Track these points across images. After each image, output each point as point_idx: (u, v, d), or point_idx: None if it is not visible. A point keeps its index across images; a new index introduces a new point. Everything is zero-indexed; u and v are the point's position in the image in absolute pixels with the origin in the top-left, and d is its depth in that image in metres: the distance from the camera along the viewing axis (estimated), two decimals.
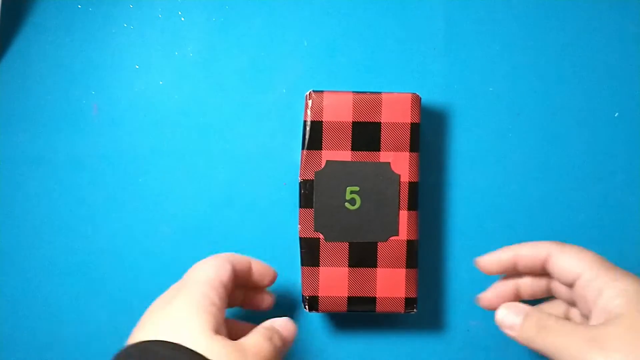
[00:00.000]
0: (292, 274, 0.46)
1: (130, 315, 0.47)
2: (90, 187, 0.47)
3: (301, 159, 0.44)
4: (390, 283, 0.43)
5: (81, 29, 0.47)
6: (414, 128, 0.43)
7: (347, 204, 0.43)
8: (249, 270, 0.41)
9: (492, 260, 0.41)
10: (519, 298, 0.42)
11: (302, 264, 0.44)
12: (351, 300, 0.44)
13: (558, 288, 0.41)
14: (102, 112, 0.47)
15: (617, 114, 0.47)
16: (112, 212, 0.47)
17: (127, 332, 0.47)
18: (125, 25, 0.47)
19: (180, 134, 0.47)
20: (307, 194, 0.43)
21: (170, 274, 0.47)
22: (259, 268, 0.42)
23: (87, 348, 0.47)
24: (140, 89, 0.47)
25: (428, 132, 0.47)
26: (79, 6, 0.47)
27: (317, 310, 0.44)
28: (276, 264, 0.44)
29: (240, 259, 0.41)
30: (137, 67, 0.47)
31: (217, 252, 0.47)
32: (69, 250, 0.47)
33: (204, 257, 0.47)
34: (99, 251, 0.47)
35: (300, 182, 0.44)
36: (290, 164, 0.47)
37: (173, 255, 0.47)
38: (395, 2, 0.47)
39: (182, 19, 0.47)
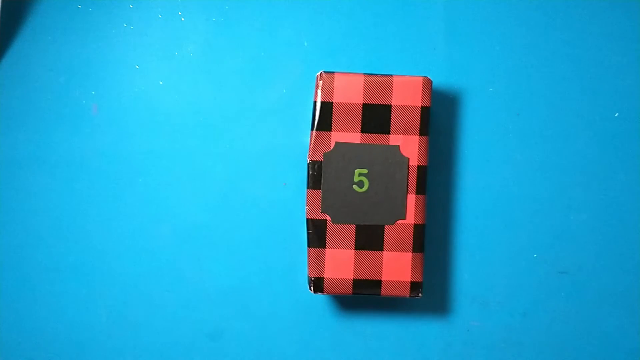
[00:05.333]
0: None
1: (130, 315, 0.48)
2: (90, 187, 0.47)
3: (310, 140, 0.43)
4: (396, 266, 0.43)
5: (81, 29, 0.47)
6: (425, 111, 0.43)
7: (355, 186, 0.43)
8: None
9: None
10: None
11: (309, 245, 0.44)
12: (356, 282, 0.44)
13: None
14: (102, 112, 0.47)
15: (617, 114, 0.47)
16: (112, 211, 0.47)
17: (127, 332, 0.47)
18: (125, 25, 0.47)
19: (180, 134, 0.47)
20: (316, 175, 0.43)
21: (170, 273, 0.48)
22: None
23: (87, 347, 0.47)
24: (140, 89, 0.47)
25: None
26: (79, 6, 0.47)
27: (322, 291, 0.44)
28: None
29: None
30: (137, 67, 0.47)
31: (216, 251, 0.47)
32: (68, 250, 0.47)
33: (204, 257, 0.47)
34: (98, 251, 0.47)
35: (309, 163, 0.43)
36: (290, 163, 0.47)
37: (173, 255, 0.47)
38: (396, 2, 0.47)
39: (182, 19, 0.47)
